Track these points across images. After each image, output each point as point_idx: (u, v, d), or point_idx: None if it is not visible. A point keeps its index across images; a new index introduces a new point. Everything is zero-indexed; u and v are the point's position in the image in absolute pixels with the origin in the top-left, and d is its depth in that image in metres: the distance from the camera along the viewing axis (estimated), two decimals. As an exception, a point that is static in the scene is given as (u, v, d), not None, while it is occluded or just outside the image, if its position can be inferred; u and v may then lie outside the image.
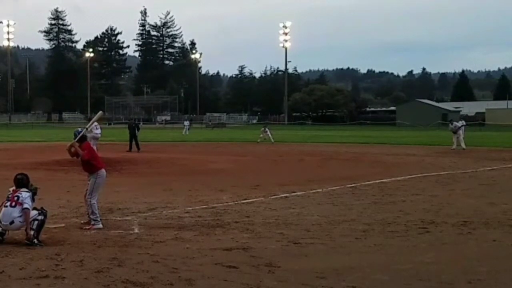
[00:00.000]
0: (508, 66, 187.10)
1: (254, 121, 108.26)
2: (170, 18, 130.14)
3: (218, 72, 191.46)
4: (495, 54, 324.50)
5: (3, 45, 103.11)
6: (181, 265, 6.48)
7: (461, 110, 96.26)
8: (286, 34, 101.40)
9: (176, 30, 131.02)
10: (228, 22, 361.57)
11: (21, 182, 8.01)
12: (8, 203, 7.75)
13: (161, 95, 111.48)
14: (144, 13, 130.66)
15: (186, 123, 57.80)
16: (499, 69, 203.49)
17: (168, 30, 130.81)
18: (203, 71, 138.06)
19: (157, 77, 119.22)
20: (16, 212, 7.65)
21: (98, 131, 20.62)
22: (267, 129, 36.77)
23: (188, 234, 8.20)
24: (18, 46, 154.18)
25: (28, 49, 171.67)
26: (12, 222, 7.65)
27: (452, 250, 7.42)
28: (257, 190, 13.07)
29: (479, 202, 11.42)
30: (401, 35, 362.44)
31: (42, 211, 7.83)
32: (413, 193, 12.75)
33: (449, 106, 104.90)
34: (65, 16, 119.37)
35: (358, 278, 6.02)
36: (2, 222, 7.68)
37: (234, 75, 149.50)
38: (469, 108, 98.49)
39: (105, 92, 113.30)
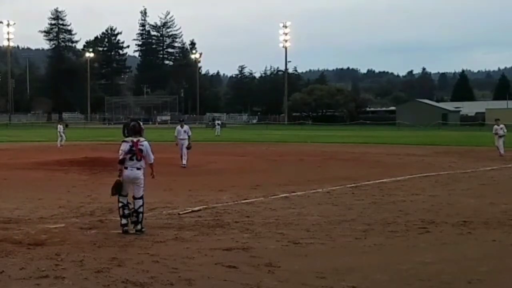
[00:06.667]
0: (508, 66, 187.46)
1: (254, 121, 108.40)
2: (170, 18, 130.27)
3: (218, 72, 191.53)
4: (495, 54, 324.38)
5: (3, 45, 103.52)
6: (181, 265, 6.48)
7: (461, 110, 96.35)
8: (286, 34, 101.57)
9: (176, 30, 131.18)
10: (228, 22, 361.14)
11: (134, 128, 8.22)
12: (134, 157, 8.10)
13: (161, 95, 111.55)
14: (144, 13, 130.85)
15: (218, 122, 57.59)
16: (499, 69, 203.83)
17: (168, 30, 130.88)
18: (203, 71, 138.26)
19: (157, 77, 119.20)
20: (139, 164, 8.13)
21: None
22: None
23: (188, 234, 8.20)
24: (18, 46, 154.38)
25: (28, 49, 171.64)
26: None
27: (452, 250, 7.41)
28: (257, 190, 13.07)
29: (479, 202, 11.41)
30: (401, 35, 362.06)
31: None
32: (413, 193, 12.74)
33: (449, 106, 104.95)
34: (65, 16, 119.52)
35: (358, 278, 6.02)
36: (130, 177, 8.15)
37: (234, 75, 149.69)
38: (469, 108, 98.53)
39: (105, 92, 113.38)
